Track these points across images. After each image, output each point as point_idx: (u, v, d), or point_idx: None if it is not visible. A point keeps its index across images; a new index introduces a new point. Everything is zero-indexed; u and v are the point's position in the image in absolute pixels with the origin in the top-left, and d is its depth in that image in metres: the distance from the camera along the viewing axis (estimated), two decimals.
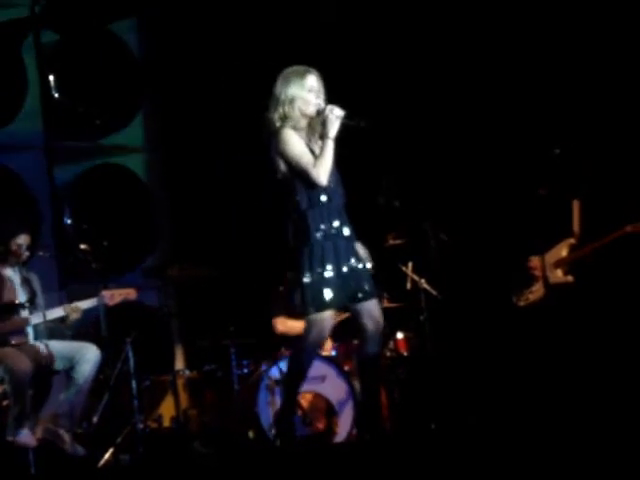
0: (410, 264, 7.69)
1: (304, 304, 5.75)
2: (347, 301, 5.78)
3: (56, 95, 8.96)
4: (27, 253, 7.33)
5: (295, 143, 5.73)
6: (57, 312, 7.08)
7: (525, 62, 7.82)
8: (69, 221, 8.98)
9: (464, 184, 8.13)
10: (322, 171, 5.70)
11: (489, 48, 7.95)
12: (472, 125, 8.03)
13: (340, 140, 5.76)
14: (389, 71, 7.98)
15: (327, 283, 5.70)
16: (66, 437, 6.96)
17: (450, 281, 7.64)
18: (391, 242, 7.44)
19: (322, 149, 5.73)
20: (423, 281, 7.56)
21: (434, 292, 7.60)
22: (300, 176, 5.73)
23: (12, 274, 7.27)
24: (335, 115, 5.70)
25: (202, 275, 7.54)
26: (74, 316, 7.06)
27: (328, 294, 5.70)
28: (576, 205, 7.33)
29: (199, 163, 9.14)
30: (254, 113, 8.59)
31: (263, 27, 8.64)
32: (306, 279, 5.71)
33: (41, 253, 7.73)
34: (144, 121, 9.46)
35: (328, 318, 5.77)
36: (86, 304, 7.13)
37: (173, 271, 7.42)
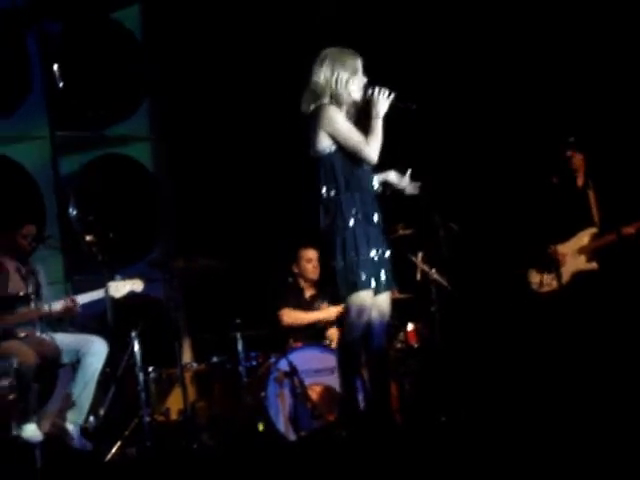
0: (420, 254, 7.64)
1: (339, 287, 5.75)
2: (377, 286, 5.77)
3: (60, 85, 8.89)
4: (32, 245, 7.29)
5: (343, 121, 5.77)
6: (59, 305, 7.02)
7: (538, 49, 7.81)
8: (74, 212, 8.92)
9: (473, 173, 8.09)
10: (374, 149, 5.76)
11: (500, 37, 7.92)
12: (483, 113, 8.00)
13: None
14: (398, 60, 7.92)
15: (362, 266, 5.72)
16: (72, 431, 6.93)
17: (460, 272, 7.60)
18: (400, 232, 7.38)
19: (372, 128, 5.77)
20: (433, 272, 7.51)
21: (444, 283, 7.55)
22: (349, 154, 5.74)
23: (17, 266, 7.22)
24: (385, 96, 5.76)
25: (209, 267, 7.48)
26: (70, 312, 7.00)
27: (363, 276, 5.71)
28: (591, 195, 7.39)
29: (205, 153, 9.08)
30: (261, 101, 8.61)
31: (269, 14, 8.58)
32: (340, 263, 5.71)
33: (46, 244, 7.66)
34: (149, 110, 9.39)
35: (366, 298, 5.75)
36: (91, 296, 7.09)
37: (180, 263, 7.35)
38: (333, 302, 7.62)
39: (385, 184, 5.99)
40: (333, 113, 5.74)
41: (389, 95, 5.77)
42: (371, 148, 5.75)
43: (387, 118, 5.79)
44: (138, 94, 9.28)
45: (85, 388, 7.01)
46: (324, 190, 5.78)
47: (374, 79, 5.85)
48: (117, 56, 9.20)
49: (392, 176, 6.01)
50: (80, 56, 9.04)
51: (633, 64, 7.55)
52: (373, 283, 5.75)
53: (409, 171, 6.02)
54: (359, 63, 5.83)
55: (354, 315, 5.75)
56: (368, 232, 5.77)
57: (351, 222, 5.74)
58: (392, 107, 5.78)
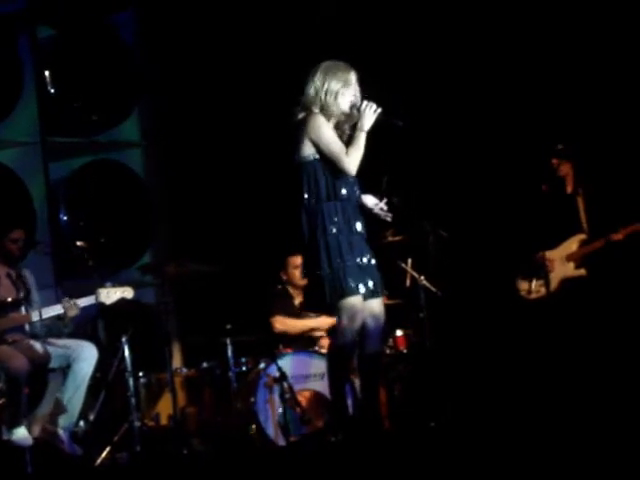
0: (409, 261, 7.66)
1: (328, 295, 5.76)
2: (366, 292, 5.79)
3: (52, 90, 8.89)
4: (22, 250, 7.29)
5: (327, 129, 5.79)
6: (54, 309, 7.04)
7: (526, 56, 7.83)
8: (65, 217, 8.92)
9: (463, 180, 8.11)
10: (353, 160, 5.77)
11: (489, 44, 7.94)
12: (472, 120, 8.01)
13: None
14: (388, 67, 7.94)
15: (348, 272, 5.74)
16: (63, 436, 6.92)
17: (449, 278, 7.61)
18: (390, 239, 7.40)
19: (355, 139, 5.80)
20: (422, 278, 7.52)
21: (433, 289, 7.56)
22: (329, 163, 5.77)
23: (8, 271, 7.22)
24: (372, 111, 5.79)
25: (200, 272, 7.49)
26: (72, 313, 7.03)
27: (350, 282, 5.73)
28: (580, 202, 7.42)
29: (196, 158, 9.09)
30: (252, 107, 8.63)
31: (261, 19, 8.60)
32: (326, 270, 5.74)
33: (36, 250, 7.66)
34: (140, 116, 9.40)
35: (357, 304, 5.77)
36: (83, 302, 7.08)
37: (170, 268, 7.36)
38: (320, 311, 7.58)
39: (360, 206, 6.00)
40: (319, 122, 5.78)
41: (376, 110, 5.80)
42: (350, 159, 5.77)
43: (375, 131, 5.81)
44: (129, 100, 9.29)
45: (75, 393, 7.01)
46: (306, 197, 5.81)
47: (366, 91, 5.87)
48: (109, 62, 9.20)
49: (369, 200, 6.00)
50: (72, 62, 9.03)
51: (621, 72, 7.58)
52: (362, 289, 5.77)
53: (385, 199, 6.04)
54: (353, 77, 5.85)
55: (346, 321, 5.78)
56: (351, 240, 5.79)
57: (333, 230, 5.76)
58: (381, 123, 5.80)
